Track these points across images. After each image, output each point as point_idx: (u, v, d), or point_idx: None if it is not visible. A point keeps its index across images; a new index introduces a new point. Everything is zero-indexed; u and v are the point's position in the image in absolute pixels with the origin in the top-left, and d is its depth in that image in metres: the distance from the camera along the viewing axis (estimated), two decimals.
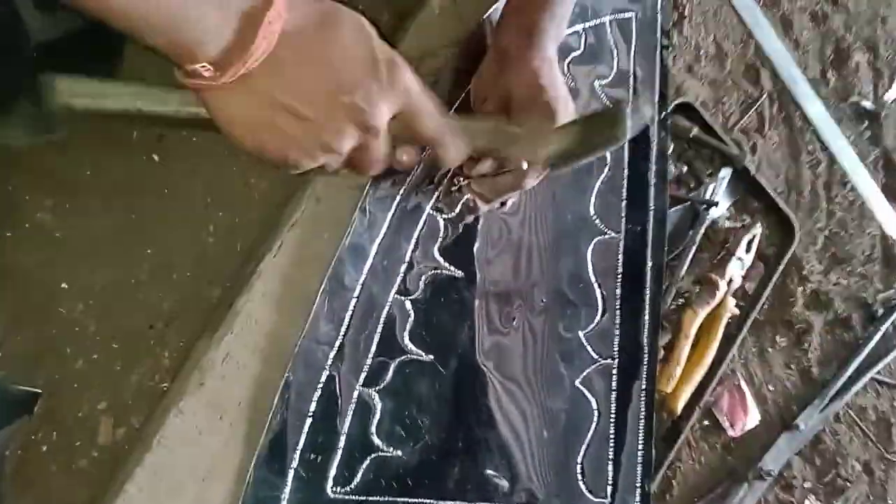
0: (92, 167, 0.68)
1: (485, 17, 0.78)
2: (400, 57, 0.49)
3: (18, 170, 0.65)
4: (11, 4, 0.57)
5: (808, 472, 1.09)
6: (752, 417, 1.04)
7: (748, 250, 1.01)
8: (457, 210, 0.74)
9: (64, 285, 0.67)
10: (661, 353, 0.95)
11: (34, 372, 0.65)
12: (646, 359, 0.83)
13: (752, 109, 1.10)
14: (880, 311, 1.15)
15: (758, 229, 1.01)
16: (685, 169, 0.99)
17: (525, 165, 0.63)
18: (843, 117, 1.19)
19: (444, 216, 0.74)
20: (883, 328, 1.13)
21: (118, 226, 0.70)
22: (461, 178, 0.73)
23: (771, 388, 1.07)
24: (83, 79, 0.48)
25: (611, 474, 0.80)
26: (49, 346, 0.66)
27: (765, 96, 1.11)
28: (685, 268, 0.97)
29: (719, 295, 0.97)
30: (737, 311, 0.99)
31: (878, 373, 1.13)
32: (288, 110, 0.46)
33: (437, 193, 0.74)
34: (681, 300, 0.97)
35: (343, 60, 0.47)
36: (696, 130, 0.99)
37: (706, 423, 1.01)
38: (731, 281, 0.99)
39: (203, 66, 0.44)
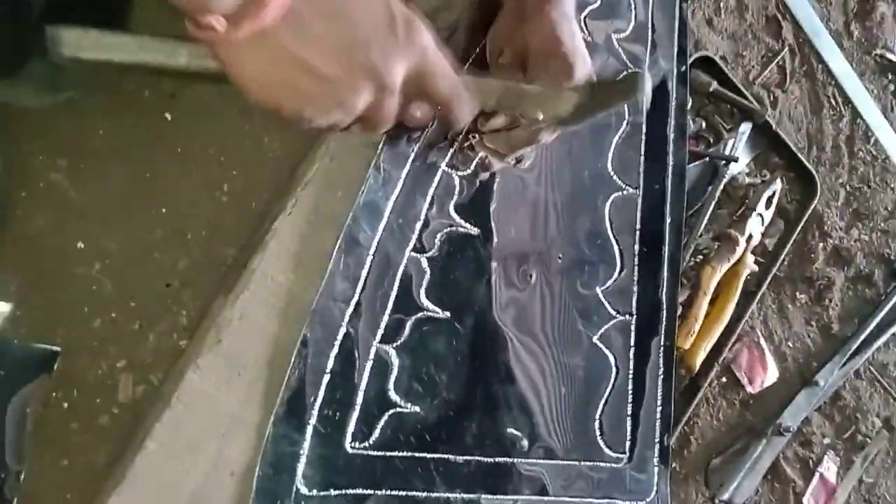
0: (104, 127, 0.68)
1: None
2: (417, 14, 0.49)
3: (31, 131, 0.65)
4: None
5: (827, 428, 1.09)
6: (771, 374, 1.03)
7: (768, 206, 0.99)
8: (471, 167, 0.73)
9: (80, 245, 0.67)
10: (680, 309, 0.94)
11: (52, 331, 0.65)
12: (664, 315, 0.83)
13: (773, 63, 1.07)
14: None
15: (778, 185, 1.00)
16: (704, 124, 0.98)
17: (540, 118, 0.62)
18: (867, 70, 1.16)
19: (460, 173, 0.73)
20: None
21: (132, 185, 0.69)
22: (474, 135, 0.72)
23: (790, 344, 1.07)
24: (91, 30, 0.47)
25: (629, 430, 0.80)
26: (66, 305, 0.66)
27: (786, 49, 1.08)
28: (704, 224, 0.96)
29: (738, 251, 0.96)
30: (756, 268, 0.98)
31: None
32: (304, 67, 0.45)
33: (451, 150, 0.73)
34: (699, 257, 0.96)
35: (361, 17, 0.46)
36: (715, 85, 0.97)
37: (724, 379, 1.01)
38: (750, 237, 0.97)
39: (216, 19, 0.43)
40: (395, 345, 0.69)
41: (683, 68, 0.88)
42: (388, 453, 0.68)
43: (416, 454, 0.69)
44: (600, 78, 0.65)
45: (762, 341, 1.03)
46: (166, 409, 0.61)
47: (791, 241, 1.02)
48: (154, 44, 0.48)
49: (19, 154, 0.65)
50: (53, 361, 0.64)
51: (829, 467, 1.06)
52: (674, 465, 0.94)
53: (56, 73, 0.65)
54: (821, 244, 1.08)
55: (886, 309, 1.09)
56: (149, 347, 0.68)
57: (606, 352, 0.79)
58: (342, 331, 0.67)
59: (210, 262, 0.71)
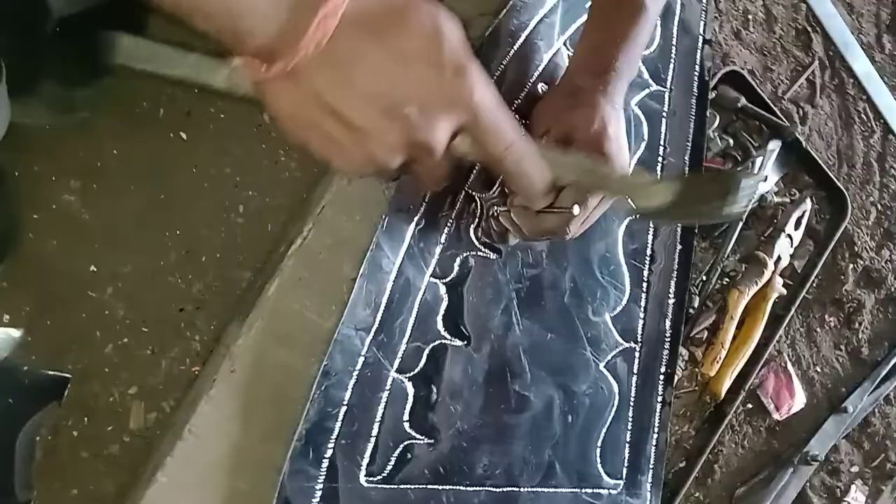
0: (118, 147, 0.66)
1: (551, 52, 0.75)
2: (475, 65, 0.43)
3: (43, 152, 0.63)
4: None
5: (855, 456, 1.06)
6: (798, 400, 1.00)
7: (797, 227, 0.96)
8: (491, 239, 0.71)
9: (92, 268, 0.65)
10: (706, 334, 0.92)
11: (63, 357, 0.63)
12: (667, 343, 0.82)
13: (803, 77, 1.04)
14: None
15: (808, 204, 0.97)
16: (732, 142, 0.95)
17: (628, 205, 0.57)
18: None
19: (479, 196, 0.72)
20: None
21: (146, 207, 0.68)
22: (500, 207, 0.70)
23: (819, 369, 1.03)
24: (144, 40, 0.46)
25: (627, 457, 0.79)
26: (78, 330, 0.64)
27: (816, 63, 1.05)
28: (731, 245, 0.93)
29: (766, 274, 0.93)
30: (784, 291, 0.95)
31: None
32: (334, 112, 0.42)
33: (475, 218, 0.71)
34: (726, 279, 0.93)
35: (403, 65, 0.41)
36: (743, 101, 0.94)
37: (750, 405, 0.98)
38: (779, 259, 0.94)
39: (249, 59, 0.41)
40: (411, 374, 0.67)
41: (701, 91, 0.86)
42: (402, 486, 0.66)
43: (429, 486, 0.67)
44: (694, 175, 0.62)
45: (789, 366, 1.00)
46: (178, 440, 0.60)
47: (821, 263, 0.99)
48: (202, 61, 0.47)
49: (32, 176, 0.64)
50: (64, 388, 0.63)
51: (856, 497, 1.03)
52: (697, 494, 0.92)
53: (69, 93, 0.64)
54: (851, 265, 1.05)
55: None
56: (161, 374, 0.67)
57: (611, 379, 0.78)
58: (361, 360, 0.65)
59: (224, 285, 0.69)
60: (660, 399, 0.81)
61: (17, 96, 0.58)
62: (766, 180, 0.94)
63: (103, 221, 0.66)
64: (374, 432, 0.65)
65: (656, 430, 0.81)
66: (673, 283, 0.82)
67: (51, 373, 0.62)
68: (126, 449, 0.64)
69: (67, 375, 0.63)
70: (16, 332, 0.62)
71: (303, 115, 0.43)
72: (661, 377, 0.82)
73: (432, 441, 0.67)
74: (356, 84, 0.41)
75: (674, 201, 0.54)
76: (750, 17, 1.00)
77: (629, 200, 0.55)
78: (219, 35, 0.40)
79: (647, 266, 0.81)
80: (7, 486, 0.60)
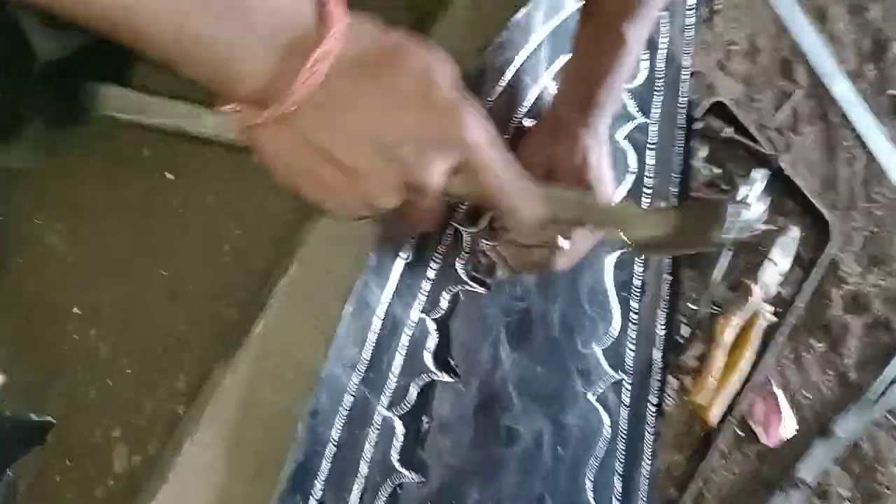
0: (103, 187, 0.66)
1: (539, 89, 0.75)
2: (468, 104, 0.43)
3: (26, 194, 0.63)
4: (15, 23, 0.55)
5: (845, 479, 1.06)
6: (789, 426, 1.01)
7: (785, 254, 0.97)
8: (479, 273, 0.71)
9: (75, 310, 0.65)
10: (696, 363, 0.92)
11: (45, 401, 0.63)
12: (658, 374, 0.82)
13: (787, 105, 1.06)
14: None
15: (794, 232, 0.97)
16: (719, 171, 0.95)
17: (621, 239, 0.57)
18: (882, 111, 1.14)
19: (469, 231, 0.72)
20: None
21: (131, 246, 0.67)
22: (487, 241, 0.70)
23: (807, 394, 1.04)
24: (129, 92, 0.46)
25: (618, 489, 0.79)
26: (60, 373, 0.64)
27: (800, 92, 1.06)
28: (717, 273, 0.93)
29: (753, 301, 0.93)
30: (774, 318, 0.95)
31: None
32: (326, 156, 0.41)
33: (463, 253, 0.71)
34: (715, 308, 0.94)
35: (395, 107, 0.41)
36: (728, 130, 0.95)
37: (740, 432, 0.98)
38: (766, 286, 0.95)
39: (239, 105, 0.41)
40: (399, 411, 0.66)
41: (686, 122, 0.87)
42: None
43: None
44: (685, 205, 0.62)
45: (777, 391, 1.01)
46: (163, 485, 0.59)
47: (807, 289, 0.99)
48: (189, 110, 0.47)
49: (16, 218, 0.63)
50: (46, 432, 0.62)
51: None
52: None
53: (53, 135, 0.63)
54: (837, 290, 1.06)
55: None
56: (145, 414, 0.66)
57: (601, 411, 0.78)
58: (349, 398, 0.64)
59: (210, 324, 0.69)
60: (651, 429, 0.81)
61: (1, 139, 0.58)
62: (749, 209, 0.95)
63: (87, 262, 0.65)
64: (363, 470, 0.64)
65: (648, 460, 0.81)
66: (662, 314, 0.83)
67: (33, 416, 0.62)
68: (110, 492, 0.63)
69: (50, 419, 0.62)
70: None
71: (294, 160, 0.42)
72: (652, 407, 0.82)
73: (422, 478, 0.67)
74: (349, 127, 0.41)
75: (666, 232, 0.54)
76: (734, 48, 1.01)
77: (622, 233, 0.55)
78: (207, 82, 0.40)
79: (635, 297, 0.81)
80: None
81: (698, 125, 0.92)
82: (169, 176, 0.69)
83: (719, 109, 0.96)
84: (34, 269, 0.63)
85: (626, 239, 0.55)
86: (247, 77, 0.39)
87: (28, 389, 0.62)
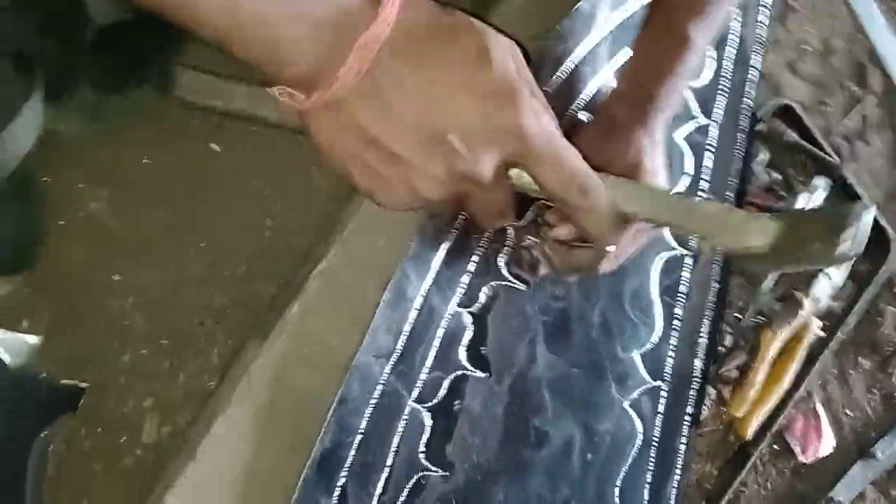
0: (148, 157, 0.66)
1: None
2: (527, 91, 0.40)
3: (72, 159, 0.63)
4: None
5: (881, 503, 1.02)
6: (827, 443, 0.97)
7: (839, 267, 0.93)
8: (521, 270, 0.69)
9: (115, 277, 0.65)
10: (736, 374, 0.89)
11: (80, 366, 0.63)
12: (695, 383, 0.79)
13: (855, 111, 1.00)
14: None
15: None
16: (778, 176, 0.91)
17: (720, 246, 0.51)
18: None
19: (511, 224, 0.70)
20: None
21: (173, 217, 0.67)
22: (533, 237, 0.67)
23: (849, 412, 1.00)
24: (203, 75, 0.45)
25: (647, 499, 0.77)
26: (97, 340, 0.64)
27: (871, 99, 1.01)
28: (767, 283, 0.90)
29: (802, 315, 0.89)
30: (822, 333, 0.92)
31: None
32: (374, 142, 0.40)
33: (505, 248, 0.69)
34: (761, 318, 0.90)
35: (444, 94, 0.39)
36: (792, 135, 0.90)
37: (776, 446, 0.95)
38: (817, 300, 0.91)
39: (289, 88, 0.39)
40: (430, 404, 0.65)
41: (749, 125, 0.83)
42: None
43: None
44: (796, 212, 0.54)
45: (819, 407, 0.97)
46: (190, 461, 0.59)
47: (860, 305, 0.95)
48: (251, 93, 0.46)
49: (61, 182, 0.63)
50: (79, 398, 0.62)
51: None
52: None
53: (103, 101, 0.63)
54: (890, 308, 1.01)
55: None
56: (178, 387, 0.66)
57: (635, 418, 0.75)
58: (379, 388, 0.64)
59: (247, 300, 0.69)
60: (684, 440, 0.79)
61: (52, 103, 0.58)
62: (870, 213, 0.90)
63: (129, 230, 0.65)
64: (389, 462, 0.64)
65: (678, 471, 0.79)
66: (706, 322, 0.80)
67: (67, 382, 0.62)
68: (138, 463, 0.64)
69: (84, 385, 0.63)
70: (34, 339, 0.62)
71: (343, 145, 0.41)
72: (687, 417, 0.80)
73: (447, 473, 0.66)
74: (396, 113, 0.39)
75: (774, 242, 0.46)
76: (806, 48, 0.96)
77: (715, 240, 0.48)
78: (257, 63, 0.38)
79: (679, 303, 0.78)
80: (18, 495, 0.60)
81: (761, 127, 0.88)
82: (214, 147, 0.68)
83: (785, 112, 0.91)
84: (76, 234, 0.63)
85: (727, 248, 0.49)
86: (295, 59, 0.38)
87: (64, 354, 0.63)
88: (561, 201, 0.45)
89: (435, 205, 0.43)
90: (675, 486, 0.78)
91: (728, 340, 0.88)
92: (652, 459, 0.77)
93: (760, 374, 0.88)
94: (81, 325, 0.63)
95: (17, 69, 0.50)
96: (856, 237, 0.43)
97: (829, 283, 0.92)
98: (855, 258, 0.45)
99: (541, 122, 0.41)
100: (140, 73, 0.63)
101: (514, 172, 0.43)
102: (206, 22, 0.36)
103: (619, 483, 0.74)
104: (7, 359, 0.60)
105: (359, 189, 0.43)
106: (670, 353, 0.77)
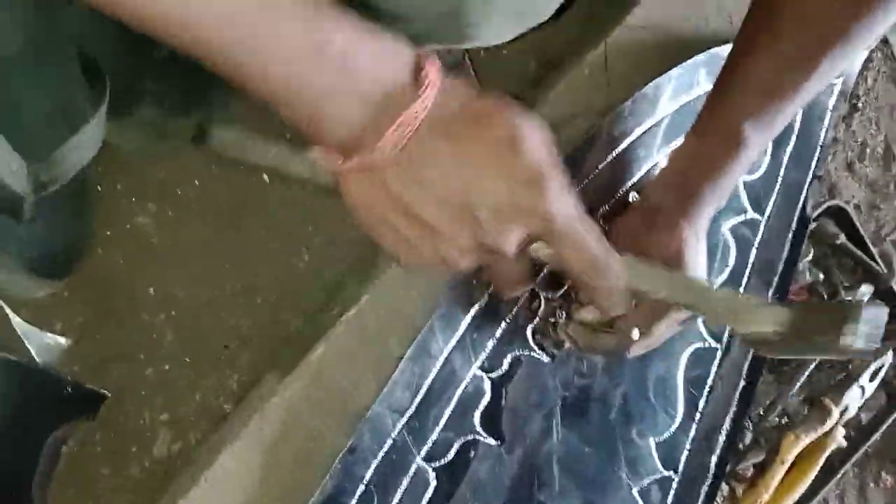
0: (200, 178, 0.67)
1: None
2: (555, 174, 0.42)
3: (125, 171, 0.65)
4: None
5: None
6: None
7: (872, 379, 0.90)
8: (546, 342, 0.69)
9: (151, 291, 0.66)
10: (751, 471, 0.87)
11: (105, 372, 0.64)
12: (710, 479, 0.77)
13: None
14: None
15: (889, 358, 0.91)
16: (822, 277, 0.90)
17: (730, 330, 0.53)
18: None
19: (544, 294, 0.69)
20: None
21: (214, 240, 0.68)
22: (562, 312, 0.68)
23: None
24: (235, 132, 0.47)
25: None
26: (124, 349, 0.65)
27: None
28: (796, 384, 0.88)
29: (829, 423, 0.87)
30: (844, 443, 0.89)
31: None
32: (406, 212, 0.42)
33: (535, 317, 0.69)
34: (785, 419, 0.88)
35: (476, 172, 0.41)
36: (842, 238, 0.89)
37: None
38: (845, 409, 0.89)
39: (327, 150, 0.41)
40: (437, 465, 0.65)
41: (800, 226, 0.81)
42: None
43: None
44: (808, 303, 0.57)
45: None
46: (194, 486, 0.59)
47: (890, 420, 0.93)
48: (283, 151, 0.48)
49: (112, 193, 0.65)
50: (99, 403, 0.63)
51: None
52: None
53: (166, 120, 0.64)
54: None
55: None
56: (193, 405, 0.67)
57: None
58: (389, 442, 0.63)
59: (273, 329, 0.69)
60: None
61: (116, 117, 0.59)
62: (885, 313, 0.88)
63: (170, 247, 0.67)
64: None
65: None
66: (728, 419, 0.78)
67: (90, 387, 0.63)
68: (146, 474, 0.65)
69: (106, 392, 0.64)
70: (64, 341, 0.63)
71: (375, 208, 0.43)
72: None
73: None
74: (429, 185, 0.41)
75: (783, 329, 0.47)
76: (868, 150, 0.95)
77: (730, 325, 0.51)
78: (299, 125, 0.40)
79: (704, 395, 0.77)
80: (25, 485, 0.61)
81: (811, 226, 0.87)
82: (265, 178, 0.69)
83: (837, 213, 0.90)
84: (119, 244, 0.65)
85: (737, 332, 0.50)
86: (336, 126, 0.40)
87: (90, 359, 0.64)
88: (578, 277, 0.48)
89: (458, 270, 0.46)
90: None
91: (748, 438, 0.86)
92: None
93: (776, 477, 0.86)
94: (111, 333, 0.65)
95: (85, 75, 0.51)
96: (863, 332, 0.43)
97: (860, 392, 0.90)
98: (866, 354, 0.47)
99: (565, 204, 0.43)
100: (206, 99, 0.64)
101: (535, 246, 0.46)
102: (253, 80, 0.38)
103: None
104: (36, 356, 0.62)
105: (385, 249, 0.45)
106: (687, 445, 0.76)
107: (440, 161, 0.41)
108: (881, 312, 0.44)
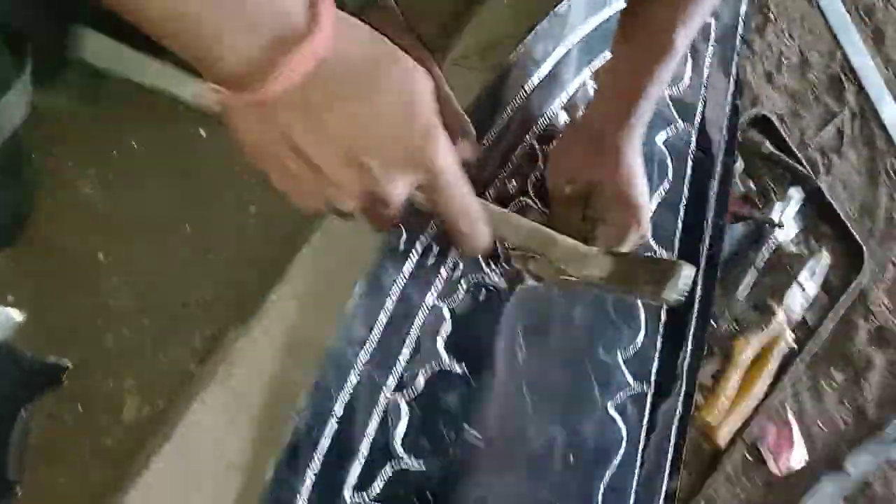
0: (138, 139, 0.67)
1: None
2: (440, 129, 0.45)
3: (62, 137, 0.64)
4: None
5: None
6: (798, 455, 0.99)
7: (813, 279, 0.95)
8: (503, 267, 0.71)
9: (100, 257, 0.66)
10: (710, 381, 0.90)
11: (64, 344, 0.64)
12: (682, 388, 0.80)
13: (831, 125, 1.03)
14: None
15: (825, 257, 0.95)
16: (754, 186, 0.94)
17: (567, 272, 0.61)
18: None
19: None
20: None
21: (160, 200, 0.68)
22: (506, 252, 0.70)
23: (821, 425, 1.02)
24: (112, 42, 0.46)
25: (633, 503, 0.77)
26: (80, 318, 0.65)
27: (846, 113, 1.04)
28: (741, 291, 0.92)
29: (775, 324, 0.91)
30: (794, 345, 0.93)
31: None
32: (296, 151, 0.42)
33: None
34: (735, 326, 0.92)
35: (371, 120, 0.42)
36: (769, 146, 0.93)
37: (749, 458, 0.96)
38: (790, 310, 0.93)
39: (215, 85, 0.41)
40: (406, 396, 0.66)
41: (730, 133, 0.84)
42: None
43: None
44: (638, 255, 0.66)
45: (791, 419, 0.99)
46: (166, 442, 0.59)
47: (833, 318, 0.97)
48: (167, 72, 0.46)
49: (50, 159, 0.64)
50: (62, 376, 0.63)
51: None
52: None
53: (95, 82, 0.64)
54: (864, 322, 1.04)
55: None
56: (158, 369, 0.67)
57: (620, 422, 0.75)
58: (354, 376, 0.64)
59: (229, 285, 0.69)
60: (671, 445, 0.79)
61: (44, 81, 0.59)
62: (782, 227, 0.93)
63: (116, 211, 0.66)
64: (363, 450, 0.64)
65: (665, 477, 0.78)
66: (692, 326, 0.80)
67: (51, 359, 0.63)
68: (118, 441, 0.65)
69: (67, 363, 0.63)
70: (18, 315, 0.63)
71: (265, 145, 0.43)
72: (675, 423, 0.79)
73: (422, 465, 0.66)
74: (322, 128, 0.42)
75: (608, 276, 0.58)
76: (784, 60, 0.99)
77: (566, 267, 0.60)
78: (190, 58, 0.40)
79: (664, 309, 0.79)
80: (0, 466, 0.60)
81: (738, 137, 0.90)
82: (202, 133, 0.69)
83: (762, 123, 0.94)
84: (63, 212, 0.64)
85: (568, 272, 0.60)
86: (228, 61, 0.39)
87: (48, 331, 0.63)
88: (451, 223, 0.52)
89: (341, 213, 0.47)
90: (664, 491, 0.78)
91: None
92: (638, 467, 0.76)
93: (733, 381, 0.89)
94: (66, 303, 0.64)
95: (7, 44, 0.51)
96: (679, 287, 0.54)
97: (802, 294, 0.94)
98: (676, 303, 0.55)
99: (451, 158, 0.46)
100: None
101: (412, 192, 0.49)
102: (143, 15, 0.37)
103: (603, 488, 0.74)
104: None
105: (273, 185, 0.46)
106: (655, 356, 0.78)
107: (333, 106, 0.41)
108: (691, 271, 0.54)
